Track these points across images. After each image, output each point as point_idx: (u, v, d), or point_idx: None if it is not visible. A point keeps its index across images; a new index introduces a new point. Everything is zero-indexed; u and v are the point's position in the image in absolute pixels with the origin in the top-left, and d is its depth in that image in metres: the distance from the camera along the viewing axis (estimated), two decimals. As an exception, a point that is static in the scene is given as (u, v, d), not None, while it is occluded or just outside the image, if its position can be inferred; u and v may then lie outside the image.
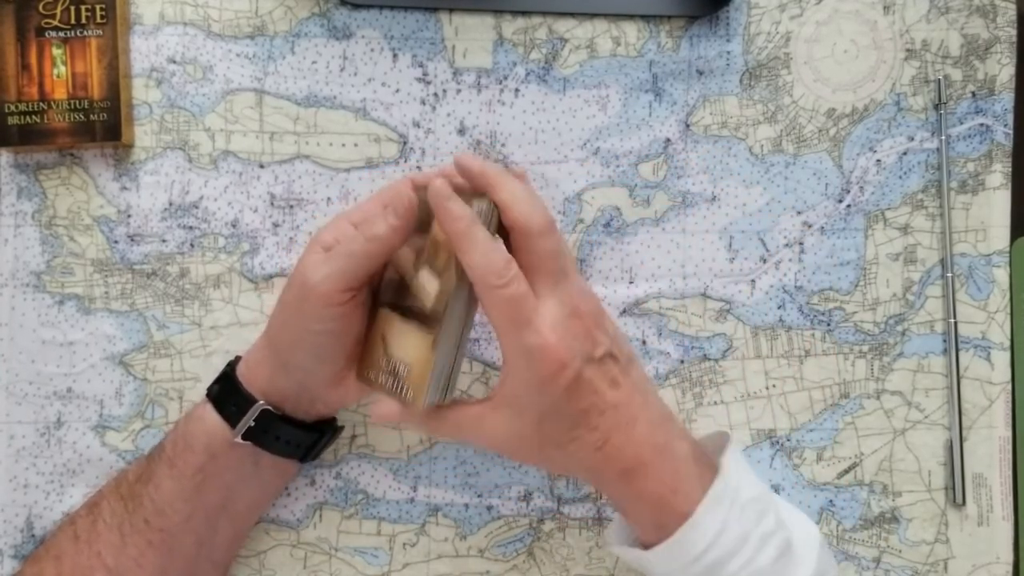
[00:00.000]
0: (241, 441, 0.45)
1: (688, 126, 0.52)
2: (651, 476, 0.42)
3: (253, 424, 0.45)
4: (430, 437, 0.52)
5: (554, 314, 0.40)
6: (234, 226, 0.51)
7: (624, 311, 0.52)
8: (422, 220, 0.43)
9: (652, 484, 0.42)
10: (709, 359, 0.52)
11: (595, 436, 0.41)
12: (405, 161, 0.52)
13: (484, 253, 0.39)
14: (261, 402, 0.45)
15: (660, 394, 0.52)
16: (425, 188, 0.45)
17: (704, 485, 0.42)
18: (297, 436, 0.47)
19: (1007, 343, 0.52)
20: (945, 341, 0.52)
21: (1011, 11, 0.52)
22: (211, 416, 0.45)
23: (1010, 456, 0.52)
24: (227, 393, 0.46)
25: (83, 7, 0.49)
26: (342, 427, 0.50)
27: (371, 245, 0.41)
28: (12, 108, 0.49)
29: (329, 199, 0.52)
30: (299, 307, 0.43)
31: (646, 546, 0.43)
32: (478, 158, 0.44)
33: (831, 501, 0.52)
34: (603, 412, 0.41)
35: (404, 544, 0.52)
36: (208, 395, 0.46)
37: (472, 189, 0.43)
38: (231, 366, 0.47)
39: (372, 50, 0.52)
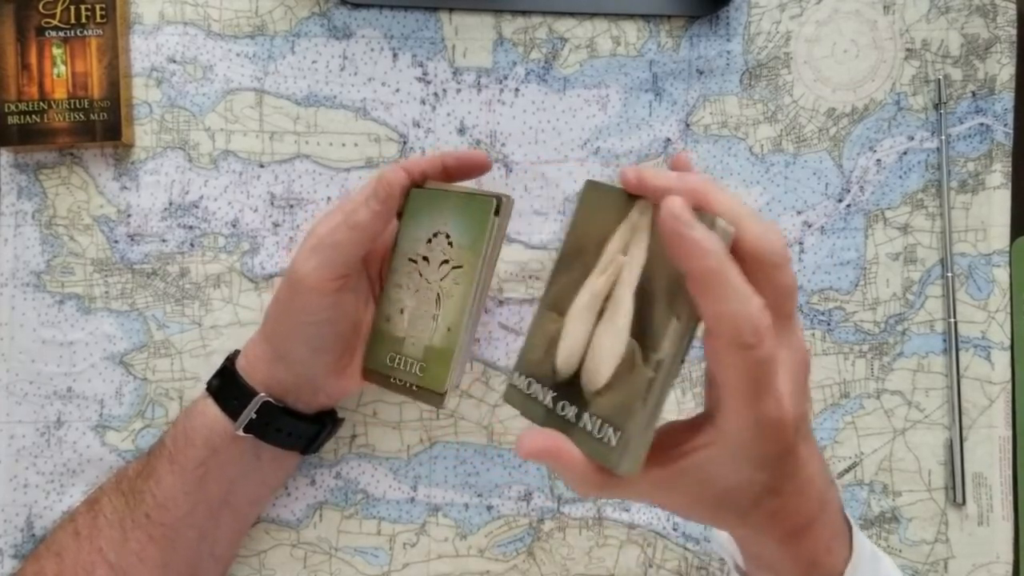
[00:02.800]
0: (242, 434, 0.45)
1: (688, 126, 0.52)
2: (813, 536, 0.36)
3: (254, 417, 0.45)
4: (431, 440, 0.52)
5: (788, 373, 0.32)
6: (234, 226, 0.51)
7: (624, 311, 0.52)
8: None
9: (811, 544, 0.36)
10: (709, 359, 0.52)
11: (777, 502, 0.35)
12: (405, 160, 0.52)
13: (740, 301, 0.30)
14: (262, 394, 0.45)
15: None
16: (420, 176, 0.45)
17: (847, 542, 0.38)
18: (298, 428, 0.47)
19: (1007, 343, 0.52)
20: (945, 341, 0.52)
21: (1011, 11, 0.52)
22: (212, 410, 0.45)
23: (1010, 456, 0.52)
24: (228, 386, 0.46)
25: (83, 7, 0.49)
26: (342, 419, 0.50)
27: (354, 233, 0.42)
28: (12, 108, 0.49)
29: (329, 198, 0.52)
30: (292, 300, 0.44)
31: None
32: (668, 173, 0.33)
33: (831, 501, 0.52)
34: (793, 476, 0.34)
35: (404, 544, 0.52)
36: (208, 389, 0.47)
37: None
38: (230, 360, 0.47)
39: (372, 50, 0.52)
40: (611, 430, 0.32)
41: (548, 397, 0.34)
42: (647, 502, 0.39)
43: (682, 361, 0.32)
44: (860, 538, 0.38)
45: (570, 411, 0.34)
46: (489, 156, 0.48)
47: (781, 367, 0.32)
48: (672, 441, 0.34)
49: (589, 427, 0.32)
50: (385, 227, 0.43)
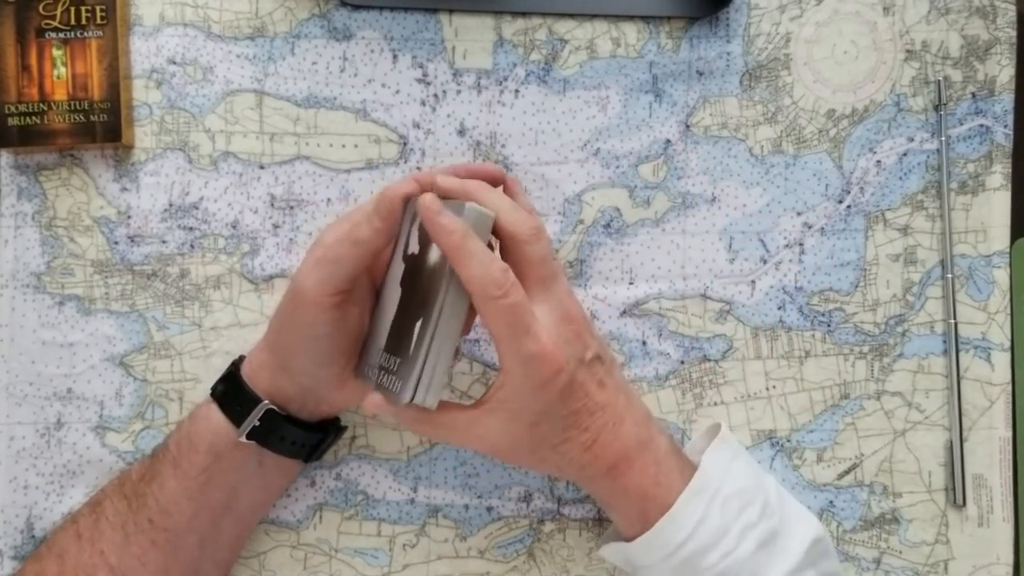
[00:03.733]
0: (246, 441, 0.45)
1: (688, 127, 0.52)
2: (635, 469, 0.43)
3: (258, 424, 0.45)
4: (428, 439, 0.52)
5: (549, 319, 0.41)
6: (234, 227, 0.51)
7: (624, 312, 0.52)
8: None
9: (636, 477, 0.43)
10: (709, 360, 0.52)
11: (585, 436, 0.42)
12: (405, 162, 0.52)
13: (481, 264, 0.39)
14: (266, 402, 0.45)
15: (661, 395, 0.52)
16: (430, 188, 0.45)
17: (685, 479, 0.43)
18: (301, 436, 0.47)
19: (1007, 344, 0.52)
20: (945, 342, 0.52)
21: (1011, 12, 0.52)
22: (216, 416, 0.45)
23: (1010, 457, 0.52)
24: (232, 393, 0.46)
25: (83, 8, 0.49)
26: (345, 427, 0.51)
27: (356, 249, 0.42)
28: (12, 109, 0.49)
29: (329, 200, 0.52)
30: (293, 313, 0.44)
31: (631, 541, 0.44)
32: (453, 179, 0.43)
33: (831, 502, 0.52)
34: (592, 412, 0.42)
35: (404, 545, 0.52)
36: (213, 395, 0.47)
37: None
38: (235, 366, 0.47)
39: (372, 51, 0.52)
40: (395, 378, 0.41)
41: (376, 371, 0.44)
42: (469, 445, 0.44)
43: (452, 322, 0.41)
44: (704, 475, 0.44)
45: (378, 376, 0.43)
46: (503, 171, 0.48)
47: (540, 316, 0.40)
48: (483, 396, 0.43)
49: (385, 382, 0.42)
50: (387, 243, 0.44)
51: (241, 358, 0.48)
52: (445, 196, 0.43)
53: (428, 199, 0.39)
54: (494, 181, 0.47)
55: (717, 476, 0.44)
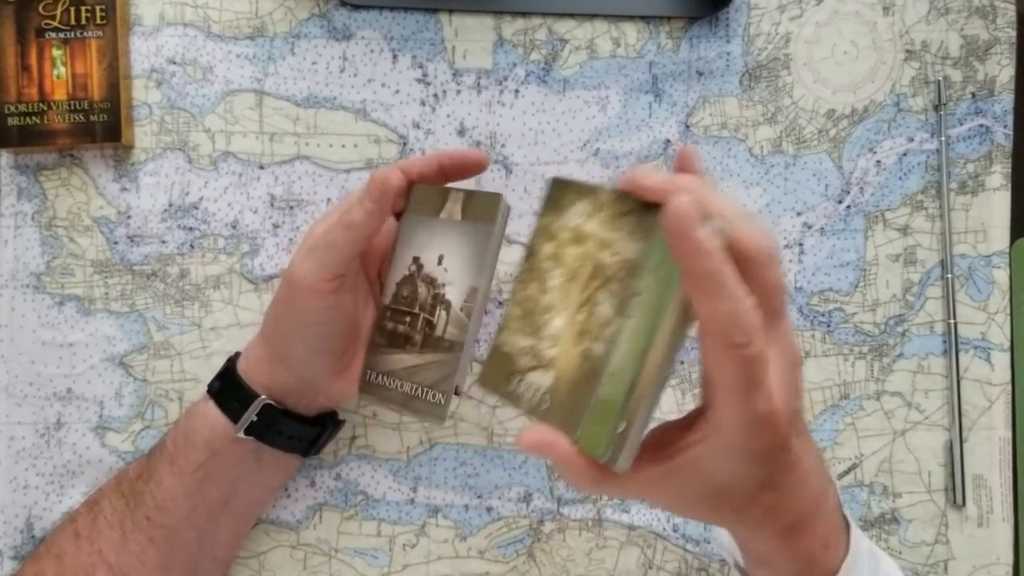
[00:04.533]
0: (243, 436, 0.45)
1: (688, 127, 0.52)
2: (809, 531, 0.37)
3: (255, 419, 0.45)
4: (431, 441, 0.52)
5: (778, 368, 0.33)
6: (234, 227, 0.51)
7: (624, 312, 0.52)
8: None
9: (808, 539, 0.37)
10: (709, 360, 0.52)
11: (774, 497, 0.35)
12: (405, 162, 0.52)
13: (732, 301, 0.30)
14: (263, 396, 0.45)
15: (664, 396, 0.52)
16: (417, 176, 0.45)
17: (844, 537, 0.39)
18: (299, 430, 0.47)
19: (1007, 344, 0.52)
20: (945, 342, 0.52)
21: (1011, 12, 0.52)
22: (212, 412, 0.45)
23: (1010, 457, 0.52)
24: (229, 388, 0.46)
25: (83, 8, 0.49)
26: (343, 421, 0.50)
27: (349, 232, 0.42)
28: (12, 109, 0.49)
29: (329, 200, 0.52)
30: (289, 302, 0.44)
31: None
32: (657, 175, 0.34)
33: (831, 502, 0.52)
34: (788, 472, 0.35)
35: (404, 545, 0.52)
36: (209, 391, 0.46)
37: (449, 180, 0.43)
38: (231, 361, 0.47)
39: (372, 51, 0.52)
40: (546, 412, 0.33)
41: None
42: (644, 499, 0.40)
43: (672, 360, 0.33)
44: (858, 536, 0.39)
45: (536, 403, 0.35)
46: (487, 156, 0.48)
47: (771, 364, 0.32)
48: (668, 439, 0.35)
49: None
50: (380, 225, 0.43)
51: (237, 354, 0.48)
52: (437, 182, 0.42)
53: (684, 206, 0.30)
54: (480, 167, 0.46)
55: (856, 531, 0.40)
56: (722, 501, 0.35)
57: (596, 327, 0.34)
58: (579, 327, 0.35)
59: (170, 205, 0.51)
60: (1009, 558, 0.52)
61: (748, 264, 0.32)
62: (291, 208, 0.52)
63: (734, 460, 0.33)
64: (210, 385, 0.47)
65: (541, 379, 0.35)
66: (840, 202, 0.52)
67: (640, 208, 0.34)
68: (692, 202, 0.30)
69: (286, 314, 0.45)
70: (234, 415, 0.45)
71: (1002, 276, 0.52)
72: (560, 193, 0.37)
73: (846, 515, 0.40)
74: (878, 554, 0.41)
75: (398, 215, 0.47)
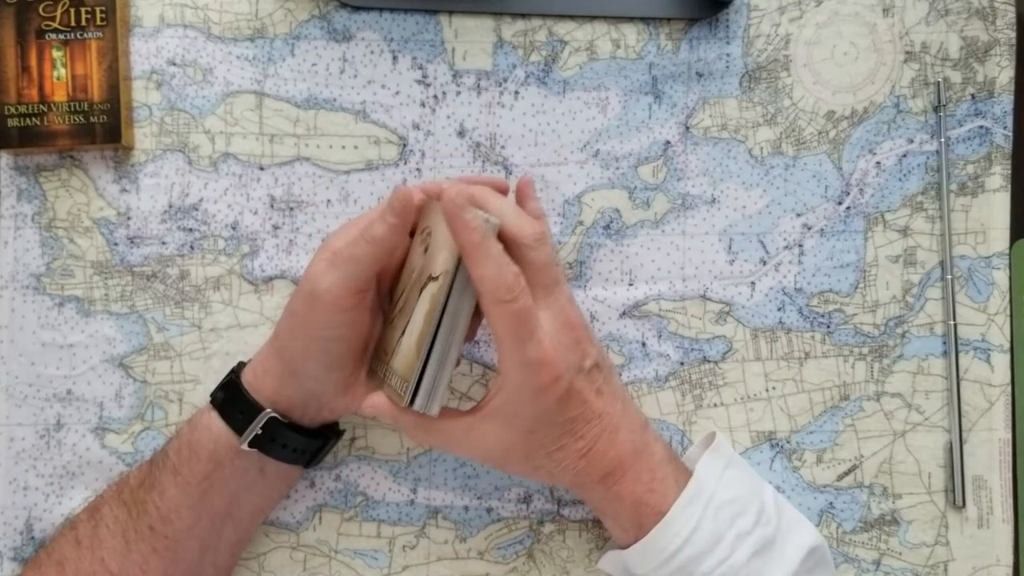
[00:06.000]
0: (247, 449, 0.45)
1: (688, 128, 0.52)
2: (629, 477, 0.43)
3: (260, 432, 0.45)
4: (424, 446, 0.52)
5: (551, 326, 0.41)
6: (234, 228, 0.51)
7: (624, 313, 0.52)
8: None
9: (630, 485, 0.43)
10: (709, 361, 0.52)
11: (581, 443, 0.43)
12: (405, 163, 0.52)
13: (497, 266, 0.39)
14: (268, 410, 0.45)
15: (660, 396, 0.52)
16: (434, 196, 0.45)
17: (680, 486, 0.44)
18: (303, 443, 0.47)
19: (1007, 345, 0.52)
20: (945, 343, 0.52)
21: (1010, 13, 0.52)
22: (217, 424, 0.45)
23: (1010, 458, 0.52)
24: (233, 401, 0.46)
25: (83, 9, 0.49)
26: (343, 431, 0.50)
27: (372, 247, 0.42)
28: (12, 110, 0.49)
29: (329, 201, 0.52)
30: (308, 315, 0.44)
31: (627, 549, 0.44)
32: (459, 184, 0.43)
33: (831, 503, 0.52)
34: (589, 420, 0.43)
35: (404, 546, 0.52)
36: (213, 402, 0.46)
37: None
38: (235, 373, 0.47)
39: (372, 52, 0.52)
40: (404, 382, 0.41)
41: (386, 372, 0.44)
42: (471, 454, 0.44)
43: (455, 328, 0.41)
44: (698, 482, 0.44)
45: (390, 378, 0.43)
46: (508, 183, 0.49)
47: (543, 322, 0.41)
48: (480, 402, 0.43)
49: (394, 383, 0.43)
50: (401, 241, 0.44)
51: (240, 365, 0.48)
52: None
53: (455, 193, 0.39)
54: (499, 192, 0.47)
55: (711, 483, 0.44)
56: (532, 446, 0.42)
57: (409, 309, 0.43)
58: (407, 316, 0.43)
59: (170, 206, 0.51)
60: (1009, 559, 0.52)
61: (517, 247, 0.41)
62: (291, 209, 0.52)
63: (523, 402, 0.41)
64: (213, 396, 0.47)
65: (391, 363, 0.44)
66: (840, 203, 0.52)
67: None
68: (459, 192, 0.39)
69: (304, 328, 0.44)
70: (238, 428, 0.45)
71: (1002, 277, 0.52)
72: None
73: (691, 469, 0.45)
74: (748, 508, 0.44)
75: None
